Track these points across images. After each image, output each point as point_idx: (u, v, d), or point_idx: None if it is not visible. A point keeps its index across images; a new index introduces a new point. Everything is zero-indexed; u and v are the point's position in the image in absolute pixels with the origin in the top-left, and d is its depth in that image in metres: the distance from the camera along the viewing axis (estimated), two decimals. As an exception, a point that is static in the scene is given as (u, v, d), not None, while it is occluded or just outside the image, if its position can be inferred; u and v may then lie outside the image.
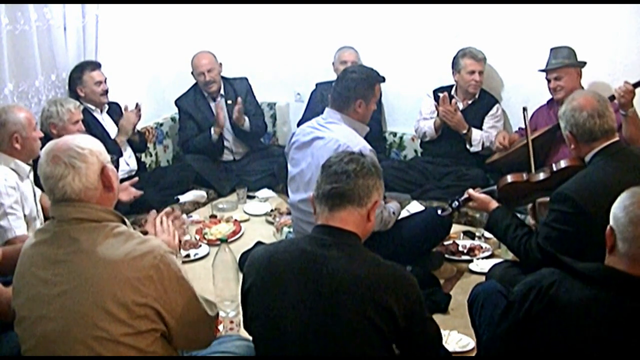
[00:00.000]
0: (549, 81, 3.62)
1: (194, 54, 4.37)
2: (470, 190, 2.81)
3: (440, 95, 3.94)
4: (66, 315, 1.64)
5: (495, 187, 2.84)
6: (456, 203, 2.85)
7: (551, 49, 3.63)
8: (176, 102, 4.44)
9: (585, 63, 3.59)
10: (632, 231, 1.53)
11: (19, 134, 2.83)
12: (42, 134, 3.04)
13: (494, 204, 2.70)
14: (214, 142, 4.33)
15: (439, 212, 2.97)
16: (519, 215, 2.89)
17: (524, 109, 3.26)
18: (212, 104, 4.41)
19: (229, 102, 4.43)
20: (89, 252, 1.66)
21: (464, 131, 3.94)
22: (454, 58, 3.98)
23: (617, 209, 1.59)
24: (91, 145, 1.76)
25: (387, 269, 1.73)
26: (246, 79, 4.56)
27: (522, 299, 1.66)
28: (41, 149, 2.95)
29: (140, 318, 1.64)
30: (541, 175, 2.74)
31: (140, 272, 1.64)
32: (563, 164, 2.68)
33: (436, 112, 4.07)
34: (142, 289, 1.64)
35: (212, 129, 4.31)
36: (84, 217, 1.70)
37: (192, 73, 4.38)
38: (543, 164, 3.30)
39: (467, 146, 3.98)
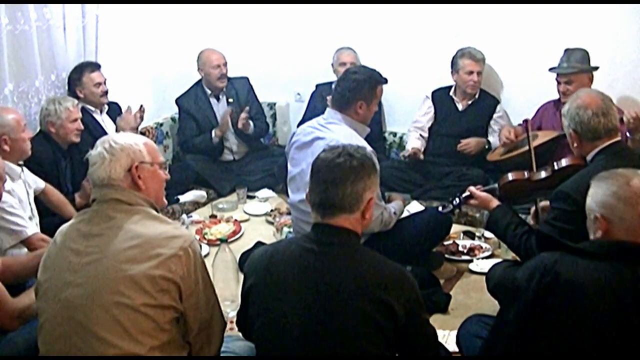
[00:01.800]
0: (558, 83, 3.60)
1: (196, 52, 4.37)
2: (472, 188, 2.82)
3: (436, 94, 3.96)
4: (92, 281, 1.71)
5: (496, 186, 2.85)
6: (457, 200, 2.86)
7: (565, 50, 3.59)
8: (177, 101, 4.44)
9: (597, 68, 3.55)
10: (630, 210, 1.67)
11: (8, 135, 2.84)
12: (31, 135, 3.05)
13: (495, 203, 2.71)
14: (215, 144, 4.33)
15: (440, 209, 2.99)
16: (522, 215, 2.88)
17: (526, 121, 3.24)
18: (214, 103, 4.41)
19: (230, 100, 4.43)
20: (124, 228, 1.77)
21: (486, 146, 3.98)
22: (453, 58, 3.99)
23: (606, 196, 1.71)
24: (129, 143, 1.86)
25: (387, 268, 1.73)
26: (247, 78, 4.56)
27: (528, 280, 1.70)
28: (31, 149, 3.02)
29: (163, 292, 1.71)
30: (542, 174, 2.75)
31: (171, 250, 1.74)
32: (564, 162, 2.68)
33: (432, 113, 4.10)
34: (171, 266, 1.72)
35: (214, 132, 4.31)
36: (122, 198, 1.82)
37: (199, 70, 4.36)
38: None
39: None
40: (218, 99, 4.43)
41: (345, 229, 1.75)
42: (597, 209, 1.73)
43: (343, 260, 1.71)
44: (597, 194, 1.75)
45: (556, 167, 2.71)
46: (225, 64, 4.34)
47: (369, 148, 2.76)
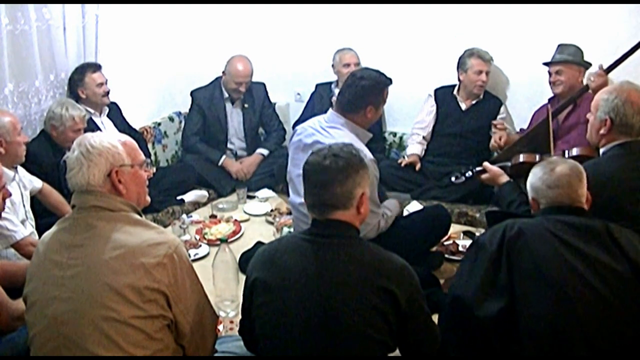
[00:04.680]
0: (550, 74, 3.63)
1: (196, 52, 4.38)
2: (486, 163, 2.93)
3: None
4: (78, 296, 1.67)
5: (509, 164, 2.95)
6: (470, 173, 2.96)
7: (558, 45, 3.63)
8: (192, 93, 4.42)
9: (589, 64, 3.58)
10: (551, 193, 1.98)
11: (3, 138, 2.82)
12: (27, 139, 3.04)
13: (505, 178, 2.82)
14: (217, 165, 4.32)
15: (453, 179, 3.09)
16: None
17: (544, 107, 3.33)
18: (228, 107, 4.41)
19: (246, 105, 4.43)
20: (106, 237, 1.72)
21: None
22: (460, 58, 3.98)
23: (535, 181, 2.03)
24: (106, 146, 1.80)
25: (388, 258, 1.79)
26: (264, 84, 4.54)
27: (490, 237, 1.91)
28: (32, 149, 3.01)
29: (150, 302, 1.68)
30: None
31: (155, 259, 1.69)
32: (575, 151, 2.76)
33: (434, 113, 4.09)
34: (156, 275, 1.69)
35: (223, 160, 4.28)
36: (102, 205, 1.76)
37: (223, 73, 4.34)
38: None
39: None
40: (233, 103, 4.42)
41: (344, 222, 1.81)
42: (531, 192, 2.06)
43: (343, 250, 1.75)
44: (531, 179, 2.06)
45: (567, 156, 2.77)
46: (248, 82, 4.31)
47: (369, 155, 2.75)
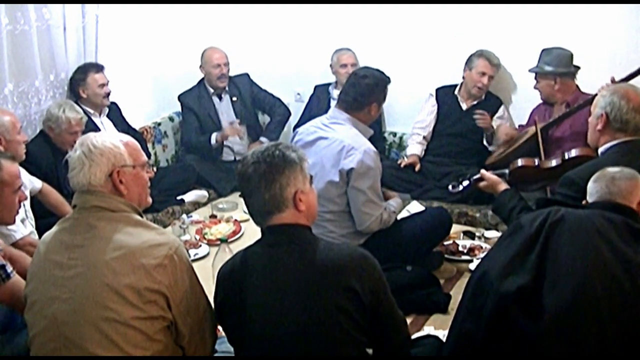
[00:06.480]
0: None
1: (196, 52, 4.37)
2: (483, 171, 2.89)
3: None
4: (78, 297, 1.67)
5: (506, 171, 2.92)
6: (467, 182, 2.91)
7: (542, 50, 3.65)
8: (179, 98, 4.43)
9: (565, 72, 3.58)
10: (594, 184, 1.97)
11: (3, 136, 2.82)
12: (26, 138, 3.03)
13: (504, 186, 2.77)
14: (213, 147, 4.32)
15: (450, 188, 3.04)
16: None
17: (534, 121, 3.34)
18: (217, 102, 4.41)
19: (234, 99, 4.44)
20: (106, 238, 1.71)
21: (489, 132, 3.96)
22: (470, 56, 3.97)
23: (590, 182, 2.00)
24: (108, 146, 1.79)
25: (344, 251, 1.75)
26: (247, 74, 4.57)
27: (532, 220, 1.87)
28: (31, 150, 3.00)
29: (150, 303, 1.68)
30: (553, 162, 2.82)
31: (156, 260, 1.69)
32: (574, 152, 2.76)
33: (435, 112, 4.09)
34: (156, 276, 1.68)
35: (214, 137, 4.29)
36: (103, 205, 1.76)
37: (200, 67, 4.37)
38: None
39: (487, 144, 3.98)
40: (220, 98, 4.43)
41: (286, 225, 1.76)
42: (588, 194, 2.02)
43: (297, 256, 1.72)
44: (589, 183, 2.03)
45: (566, 157, 2.77)
46: (226, 64, 4.34)
47: (372, 148, 2.80)
